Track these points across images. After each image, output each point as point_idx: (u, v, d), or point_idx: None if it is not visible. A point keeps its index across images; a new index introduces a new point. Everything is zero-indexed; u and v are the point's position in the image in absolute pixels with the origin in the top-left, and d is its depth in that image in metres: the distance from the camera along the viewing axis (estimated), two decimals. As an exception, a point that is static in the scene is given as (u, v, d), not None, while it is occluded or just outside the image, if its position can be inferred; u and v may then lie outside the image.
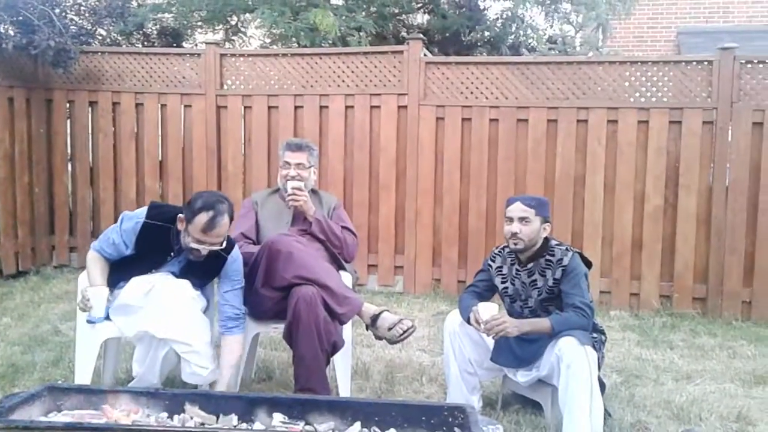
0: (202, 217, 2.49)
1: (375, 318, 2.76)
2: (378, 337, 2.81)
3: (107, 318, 2.60)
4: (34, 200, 5.44)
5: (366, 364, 3.45)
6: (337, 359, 2.85)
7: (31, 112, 5.40)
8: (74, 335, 2.87)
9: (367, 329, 2.84)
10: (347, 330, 2.88)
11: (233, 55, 5.49)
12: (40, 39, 4.90)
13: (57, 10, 5.17)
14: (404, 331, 2.73)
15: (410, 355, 3.66)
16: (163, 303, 2.54)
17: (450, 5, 7.57)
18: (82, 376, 2.71)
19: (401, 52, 5.09)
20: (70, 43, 5.08)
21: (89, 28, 5.87)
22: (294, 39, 6.36)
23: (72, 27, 5.36)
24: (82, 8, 5.86)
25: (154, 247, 2.66)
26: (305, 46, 6.00)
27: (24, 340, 3.73)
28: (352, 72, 5.16)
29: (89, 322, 2.59)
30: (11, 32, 5.02)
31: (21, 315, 4.24)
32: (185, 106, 5.45)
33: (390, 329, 2.73)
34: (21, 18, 4.98)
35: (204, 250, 2.55)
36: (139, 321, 2.55)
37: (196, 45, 8.02)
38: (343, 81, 5.17)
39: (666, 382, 3.32)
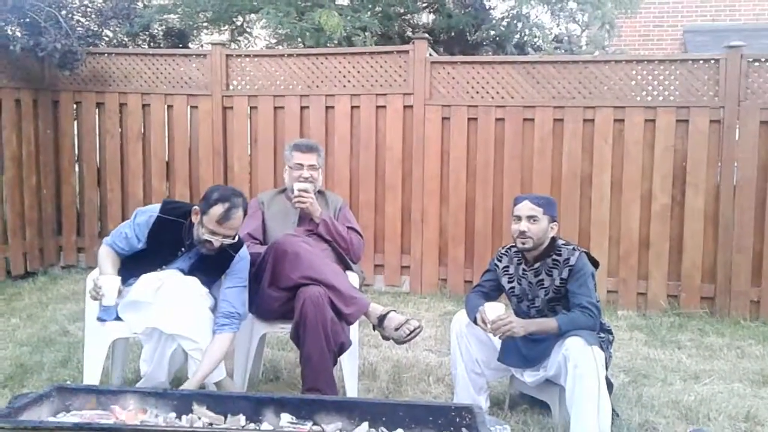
0: (218, 209, 2.53)
1: (382, 318, 2.76)
2: (385, 338, 2.80)
3: (117, 318, 2.62)
4: (41, 201, 5.46)
5: (373, 364, 3.45)
6: (344, 359, 2.85)
7: (38, 114, 5.43)
8: (83, 335, 2.89)
9: (374, 329, 2.84)
10: (354, 330, 2.88)
11: (239, 55, 5.49)
12: (47, 41, 4.93)
13: (63, 12, 5.19)
14: (411, 332, 2.72)
15: (417, 355, 3.66)
16: (172, 299, 2.56)
17: (455, 5, 7.56)
18: (91, 377, 2.72)
19: (407, 51, 5.09)
20: (77, 44, 5.10)
21: (95, 29, 5.89)
22: (299, 39, 6.37)
23: (78, 28, 5.37)
24: (88, 10, 5.87)
25: (166, 242, 2.69)
26: (310, 47, 6.01)
27: (32, 340, 3.74)
28: (358, 72, 5.16)
29: (99, 319, 2.61)
30: (18, 34, 5.05)
31: (29, 315, 4.26)
32: (191, 106, 5.46)
33: (397, 329, 2.73)
34: (28, 20, 5.00)
35: (216, 242, 2.57)
36: (148, 317, 2.57)
37: (201, 46, 8.04)
38: (349, 81, 5.18)
39: (674, 382, 3.31)
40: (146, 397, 2.21)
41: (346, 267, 3.13)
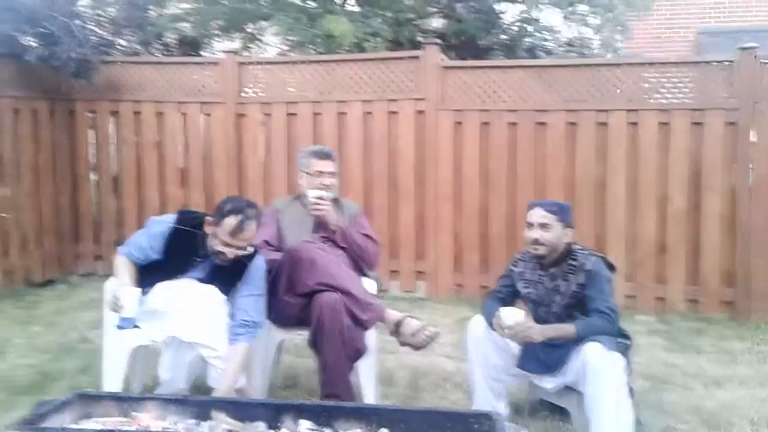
0: (231, 221, 2.53)
1: (398, 324, 2.76)
2: (402, 344, 2.81)
3: (136, 326, 2.63)
4: (59, 210, 5.52)
5: (390, 370, 3.45)
6: (362, 366, 2.85)
7: (55, 123, 5.49)
8: (102, 343, 2.90)
9: (390, 335, 2.84)
10: (371, 336, 2.88)
11: (252, 63, 5.53)
12: (62, 50, 4.98)
13: (77, 22, 5.24)
14: (428, 337, 2.72)
15: (434, 361, 3.64)
16: (191, 307, 2.57)
17: (466, 9, 7.55)
18: (111, 384, 2.74)
19: (418, 57, 5.10)
20: (91, 54, 5.16)
21: (109, 38, 5.96)
22: (310, 46, 6.39)
23: (92, 38, 5.43)
24: (102, 19, 5.95)
25: (182, 252, 2.69)
26: (321, 53, 6.03)
27: (53, 348, 3.78)
28: (370, 78, 5.17)
29: (119, 328, 2.62)
30: (33, 44, 5.11)
31: (49, 323, 4.29)
32: (205, 114, 5.50)
33: (413, 335, 2.73)
34: (43, 30, 5.06)
35: (230, 253, 2.58)
36: (167, 326, 2.58)
37: (214, 53, 8.09)
38: (361, 87, 5.19)
39: (695, 388, 3.28)
40: (167, 403, 2.22)
41: (362, 273, 3.13)
